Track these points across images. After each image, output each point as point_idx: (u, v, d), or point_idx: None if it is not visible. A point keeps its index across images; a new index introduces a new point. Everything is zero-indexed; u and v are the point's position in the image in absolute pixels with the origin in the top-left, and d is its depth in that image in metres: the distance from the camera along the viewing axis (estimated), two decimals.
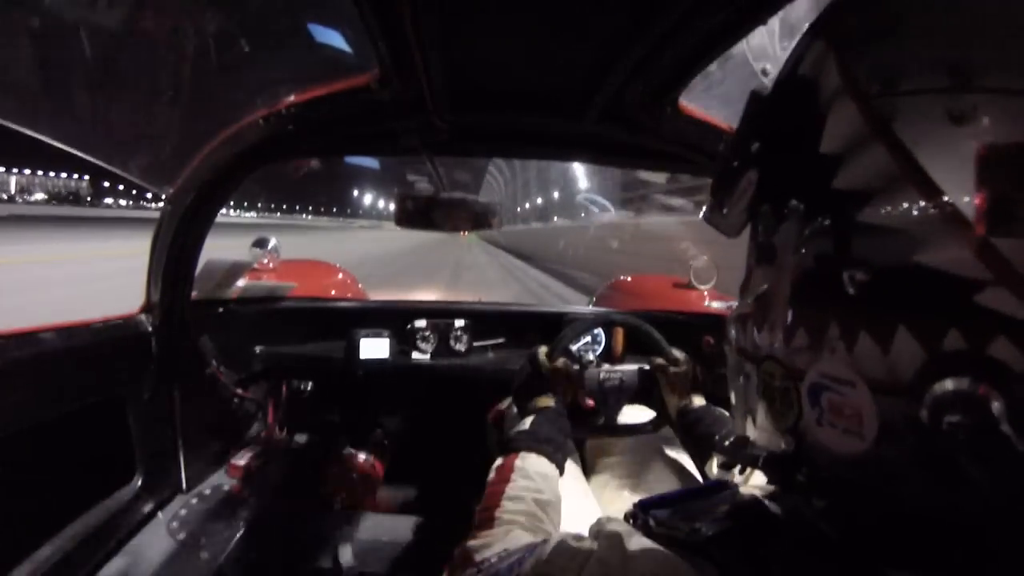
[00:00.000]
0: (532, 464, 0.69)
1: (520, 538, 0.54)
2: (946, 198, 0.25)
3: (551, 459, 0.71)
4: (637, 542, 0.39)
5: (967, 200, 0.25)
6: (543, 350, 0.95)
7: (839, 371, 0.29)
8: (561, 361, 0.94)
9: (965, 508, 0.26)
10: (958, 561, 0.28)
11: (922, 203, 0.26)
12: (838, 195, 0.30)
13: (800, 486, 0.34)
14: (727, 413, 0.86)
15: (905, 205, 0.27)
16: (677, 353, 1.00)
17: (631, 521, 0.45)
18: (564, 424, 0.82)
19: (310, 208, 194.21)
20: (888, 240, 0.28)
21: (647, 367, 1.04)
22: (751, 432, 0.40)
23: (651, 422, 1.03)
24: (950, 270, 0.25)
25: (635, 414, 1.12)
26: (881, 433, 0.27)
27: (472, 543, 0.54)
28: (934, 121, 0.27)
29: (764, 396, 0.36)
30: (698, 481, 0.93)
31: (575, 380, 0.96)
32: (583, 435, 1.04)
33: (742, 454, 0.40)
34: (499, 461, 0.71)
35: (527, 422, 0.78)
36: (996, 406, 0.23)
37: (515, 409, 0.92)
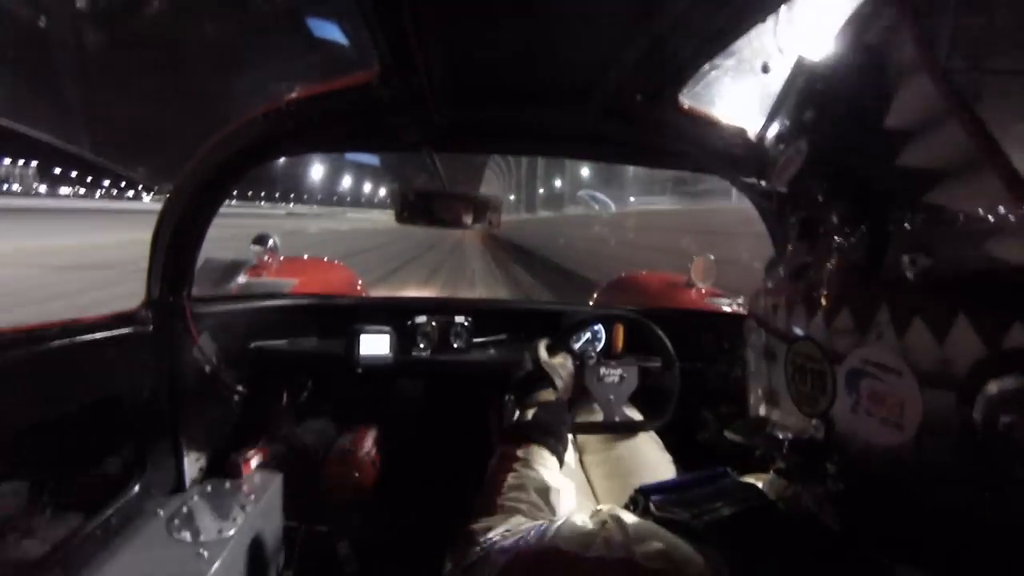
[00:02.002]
0: (534, 455, 0.69)
1: (522, 523, 0.55)
2: None
3: (552, 450, 0.72)
4: (640, 524, 0.40)
5: None
6: (543, 344, 0.95)
7: (885, 358, 0.28)
8: (561, 356, 0.94)
9: (1010, 511, 0.24)
10: (984, 561, 0.26)
11: (999, 190, 0.24)
12: (903, 173, 0.28)
13: (827, 474, 0.33)
14: None
15: (979, 190, 0.25)
16: None
17: (632, 507, 0.45)
18: (565, 417, 0.82)
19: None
20: (956, 225, 0.26)
21: (647, 364, 1.04)
22: (767, 414, 0.38)
23: (651, 419, 1.04)
24: (1021, 263, 0.23)
25: (633, 411, 1.12)
26: (924, 427, 0.26)
27: (474, 526, 0.54)
28: None
29: (794, 379, 0.35)
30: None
31: (575, 376, 0.96)
32: (582, 431, 1.04)
33: (760, 436, 0.39)
34: (501, 451, 0.72)
35: (529, 414, 0.79)
36: None
37: (515, 402, 0.93)
